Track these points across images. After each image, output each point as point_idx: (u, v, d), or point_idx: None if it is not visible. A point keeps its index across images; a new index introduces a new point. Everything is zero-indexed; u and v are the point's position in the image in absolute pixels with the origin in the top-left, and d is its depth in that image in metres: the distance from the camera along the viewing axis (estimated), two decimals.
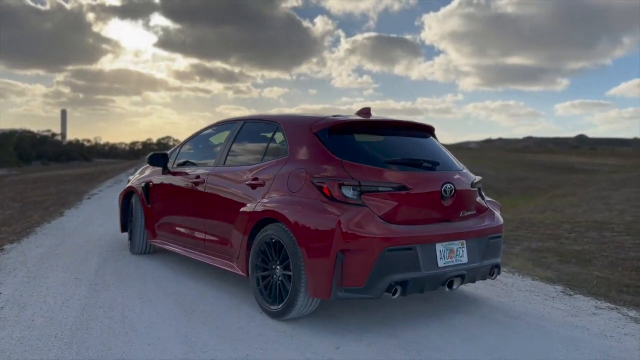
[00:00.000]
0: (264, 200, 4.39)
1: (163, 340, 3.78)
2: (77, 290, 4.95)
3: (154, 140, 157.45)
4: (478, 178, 4.71)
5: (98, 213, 10.42)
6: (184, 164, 5.86)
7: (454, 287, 4.17)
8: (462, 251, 4.20)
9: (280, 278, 4.20)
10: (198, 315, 4.33)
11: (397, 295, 3.87)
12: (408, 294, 3.93)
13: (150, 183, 6.22)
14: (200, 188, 5.24)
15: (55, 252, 6.54)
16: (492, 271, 4.48)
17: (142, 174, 6.61)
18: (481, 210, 4.61)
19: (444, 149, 4.81)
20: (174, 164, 5.99)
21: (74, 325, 4.05)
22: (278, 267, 4.22)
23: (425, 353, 3.65)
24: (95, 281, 5.26)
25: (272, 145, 4.79)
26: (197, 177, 5.33)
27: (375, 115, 4.88)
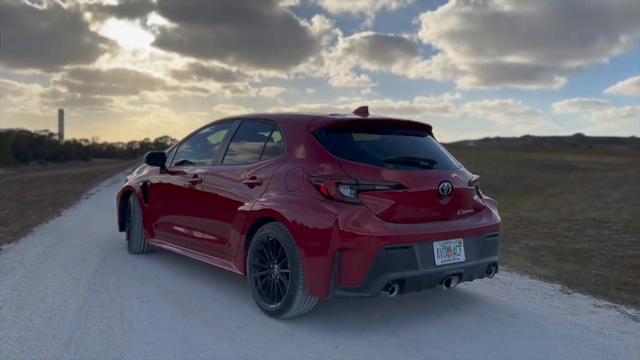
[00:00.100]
0: (262, 199, 4.39)
1: (162, 340, 3.78)
2: (76, 290, 4.94)
3: (152, 139, 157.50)
4: (475, 176, 4.72)
5: (96, 213, 10.41)
6: (182, 163, 5.85)
7: (452, 285, 4.18)
8: (460, 249, 4.21)
9: (278, 277, 4.20)
10: (197, 314, 4.33)
11: (394, 293, 3.87)
12: (405, 292, 3.94)
13: (148, 182, 6.21)
14: (198, 187, 5.24)
15: (54, 252, 6.53)
16: (490, 269, 4.48)
17: (140, 174, 6.60)
18: (478, 209, 4.61)
19: (442, 148, 4.82)
20: (171, 163, 5.99)
21: (72, 325, 4.05)
22: (276, 266, 4.21)
23: (425, 351, 3.65)
24: (93, 281, 5.25)
25: (269, 144, 4.79)
26: (195, 176, 5.32)
27: (372, 114, 4.88)
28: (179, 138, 6.37)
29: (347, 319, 4.28)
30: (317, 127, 4.38)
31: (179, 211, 5.65)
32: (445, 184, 4.21)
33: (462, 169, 4.66)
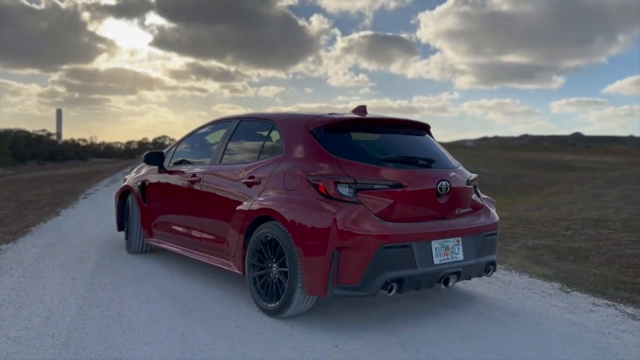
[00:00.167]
0: (260, 198, 4.38)
1: (160, 340, 3.77)
2: (74, 289, 4.94)
3: (150, 139, 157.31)
4: (474, 175, 4.72)
5: (94, 212, 10.40)
6: (180, 162, 5.85)
7: (450, 284, 4.18)
8: (458, 248, 4.21)
9: (276, 276, 4.20)
10: (195, 314, 4.33)
11: (392, 292, 3.87)
12: (404, 291, 3.94)
13: (147, 182, 6.20)
14: (196, 187, 5.23)
15: (52, 252, 6.52)
16: (488, 268, 4.49)
17: (138, 173, 6.59)
18: (477, 208, 4.61)
19: (440, 147, 4.82)
20: (170, 162, 5.98)
21: (70, 324, 4.04)
22: (274, 265, 4.21)
23: (423, 350, 3.65)
24: (91, 280, 5.24)
25: (268, 143, 4.79)
26: (194, 175, 5.32)
27: (371, 113, 4.88)
28: (177, 138, 6.37)
29: (346, 318, 4.28)
30: (316, 126, 4.37)
31: (177, 211, 5.65)
32: (444, 183, 4.21)
33: (461, 168, 4.66)
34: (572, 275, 5.72)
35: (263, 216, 4.30)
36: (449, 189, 4.24)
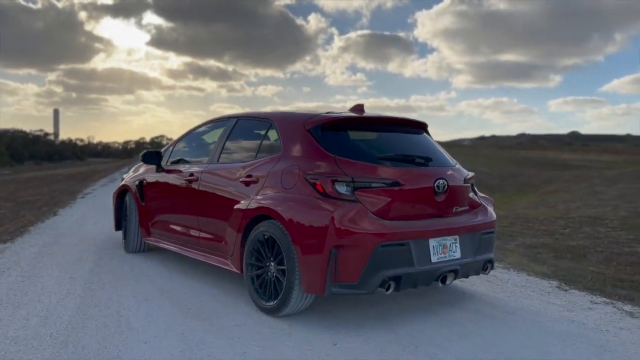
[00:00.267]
0: (258, 197, 4.38)
1: (159, 338, 3.77)
2: (72, 289, 4.93)
3: (148, 139, 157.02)
4: (471, 174, 4.72)
5: (92, 212, 10.39)
6: (178, 161, 5.84)
7: (448, 282, 4.18)
8: (455, 246, 4.21)
9: (274, 275, 4.20)
10: (194, 313, 4.32)
11: (390, 290, 3.87)
12: (401, 289, 3.94)
13: (144, 181, 6.20)
14: (194, 185, 5.23)
15: (50, 252, 6.51)
16: (486, 266, 4.49)
17: (136, 172, 6.59)
18: (474, 206, 4.62)
19: (437, 145, 4.82)
20: (167, 161, 5.97)
21: (69, 324, 4.04)
22: (272, 263, 4.21)
23: (422, 348, 3.65)
24: (90, 280, 5.24)
25: (265, 142, 4.79)
26: (191, 174, 5.31)
27: (368, 112, 4.88)
28: (175, 137, 6.36)
29: (344, 316, 4.28)
30: (313, 125, 4.37)
31: (175, 210, 5.64)
32: (441, 181, 4.22)
33: (458, 166, 4.66)
34: (570, 273, 5.73)
35: (261, 215, 4.30)
36: (446, 187, 4.24)
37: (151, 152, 6.11)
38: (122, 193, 6.69)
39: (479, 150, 79.69)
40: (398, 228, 3.93)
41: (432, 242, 4.07)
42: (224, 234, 4.74)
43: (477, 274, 4.47)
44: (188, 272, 5.59)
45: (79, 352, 3.53)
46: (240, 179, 4.65)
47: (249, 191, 4.52)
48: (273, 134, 4.71)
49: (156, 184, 6.01)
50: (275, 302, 4.15)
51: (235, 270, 4.62)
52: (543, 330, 4.08)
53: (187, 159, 5.78)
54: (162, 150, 6.16)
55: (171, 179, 5.70)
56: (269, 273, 4.25)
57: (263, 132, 4.88)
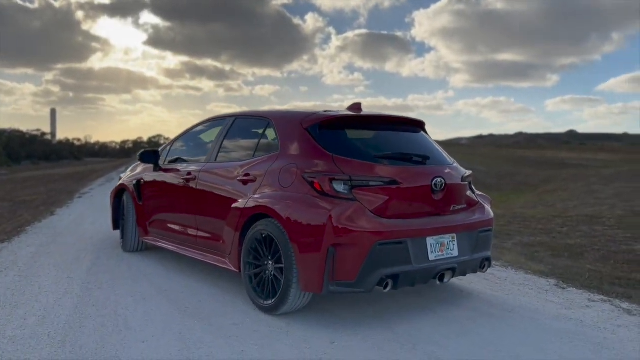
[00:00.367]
0: (256, 196, 4.38)
1: (157, 338, 3.76)
2: (70, 288, 4.92)
3: (145, 138, 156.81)
4: (468, 172, 4.73)
5: (90, 212, 10.38)
6: (176, 160, 5.83)
7: (445, 280, 4.19)
8: (453, 245, 4.22)
9: (272, 273, 4.20)
10: (192, 312, 4.32)
11: (388, 289, 3.88)
12: (399, 287, 3.94)
13: (142, 180, 6.19)
14: (192, 185, 5.22)
15: (47, 251, 6.50)
16: (483, 264, 4.50)
17: (133, 172, 6.58)
18: (472, 204, 4.62)
19: (435, 144, 4.82)
20: (165, 161, 5.97)
21: (67, 323, 4.03)
22: (270, 262, 4.21)
23: (420, 347, 3.65)
24: (87, 279, 5.23)
25: (263, 141, 4.78)
26: (189, 173, 5.31)
27: (366, 111, 4.88)
28: (172, 137, 6.36)
29: (342, 314, 4.28)
30: (311, 123, 4.37)
31: (173, 209, 5.64)
32: (438, 180, 4.22)
33: (455, 164, 4.67)
34: (568, 272, 5.74)
35: (259, 214, 4.30)
36: (443, 185, 4.24)
37: (149, 151, 6.10)
38: (119, 192, 6.68)
39: (476, 149, 79.80)
40: (396, 226, 3.93)
41: (430, 240, 4.07)
42: (222, 233, 4.74)
43: (475, 272, 4.48)
44: (186, 271, 5.59)
45: (76, 351, 3.53)
46: (238, 178, 4.64)
47: (247, 190, 4.52)
48: (271, 133, 4.71)
49: (154, 183, 6.00)
50: (273, 300, 4.15)
51: (233, 269, 4.62)
52: (541, 328, 4.08)
53: (184, 158, 5.77)
54: (159, 150, 6.15)
55: (169, 178, 5.70)
56: (267, 272, 4.25)
57: (261, 131, 4.87)
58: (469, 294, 4.90)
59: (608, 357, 3.58)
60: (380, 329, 3.97)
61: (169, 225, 5.68)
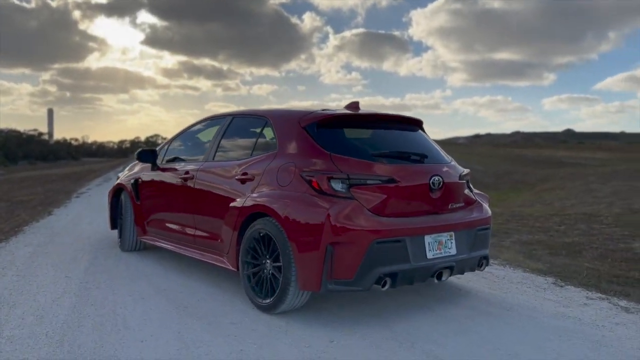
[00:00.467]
0: (254, 194, 4.38)
1: (156, 337, 3.76)
2: (68, 288, 4.92)
3: (143, 138, 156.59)
4: (466, 170, 4.73)
5: (87, 211, 10.36)
6: (174, 160, 5.83)
7: (443, 278, 4.19)
8: (451, 243, 4.22)
9: (270, 272, 4.20)
10: (190, 311, 4.32)
11: (386, 287, 3.88)
12: (397, 286, 3.95)
13: (140, 180, 6.18)
14: (189, 184, 5.22)
15: (45, 251, 6.49)
16: (481, 262, 4.50)
17: (131, 171, 6.57)
18: (469, 203, 4.62)
19: (432, 142, 4.83)
20: (163, 160, 5.96)
21: (65, 323, 4.02)
22: (268, 261, 4.21)
23: (418, 345, 3.65)
24: (85, 279, 5.22)
25: (261, 140, 4.78)
26: (187, 172, 5.30)
27: (364, 110, 4.88)
28: (170, 136, 6.35)
29: (340, 313, 4.28)
30: (309, 122, 4.37)
31: (170, 208, 5.63)
32: (436, 178, 4.22)
33: (453, 163, 4.67)
34: (566, 270, 5.75)
35: (257, 212, 4.30)
36: (441, 183, 4.25)
37: (146, 150, 6.09)
38: (117, 192, 6.67)
39: (474, 148, 79.90)
40: (394, 225, 3.93)
41: (428, 239, 4.07)
42: (220, 232, 4.73)
43: (473, 270, 4.48)
44: (184, 270, 5.59)
45: (74, 351, 3.52)
46: (236, 177, 4.64)
47: (245, 189, 4.52)
48: (269, 132, 4.71)
49: (152, 182, 5.99)
50: (271, 299, 4.15)
51: (231, 268, 4.62)
52: (539, 326, 4.09)
53: (182, 157, 5.77)
54: (157, 149, 6.14)
55: (167, 177, 5.69)
56: (265, 270, 4.24)
57: (258, 130, 4.87)
58: (467, 292, 4.91)
59: (606, 354, 3.59)
60: (378, 328, 3.97)
61: (167, 225, 5.67)
